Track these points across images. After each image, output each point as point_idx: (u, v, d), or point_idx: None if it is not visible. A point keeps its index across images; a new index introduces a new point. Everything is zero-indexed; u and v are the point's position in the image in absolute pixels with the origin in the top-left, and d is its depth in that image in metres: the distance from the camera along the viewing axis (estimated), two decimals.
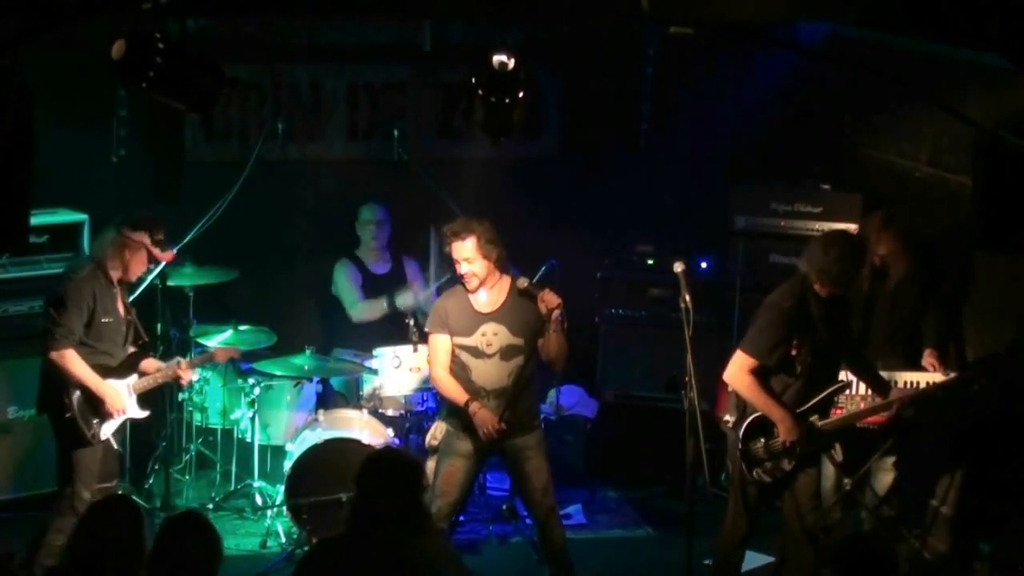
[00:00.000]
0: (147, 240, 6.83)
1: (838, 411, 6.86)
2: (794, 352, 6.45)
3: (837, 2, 6.06)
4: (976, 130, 5.22)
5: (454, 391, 6.64)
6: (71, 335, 6.68)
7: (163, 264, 7.46)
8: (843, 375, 6.79)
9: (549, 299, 6.50)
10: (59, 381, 6.71)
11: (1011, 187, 5.00)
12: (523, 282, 6.61)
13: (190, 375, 7.31)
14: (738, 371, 6.52)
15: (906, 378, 7.12)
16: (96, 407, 6.76)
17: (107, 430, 6.84)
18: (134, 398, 6.98)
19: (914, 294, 7.32)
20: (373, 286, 8.52)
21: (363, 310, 8.44)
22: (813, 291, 6.45)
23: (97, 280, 6.77)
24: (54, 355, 6.66)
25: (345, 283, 8.54)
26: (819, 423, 6.56)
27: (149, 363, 7.09)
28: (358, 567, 4.75)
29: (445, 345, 6.67)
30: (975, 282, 7.34)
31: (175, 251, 7.31)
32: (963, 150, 7.09)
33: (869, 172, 8.18)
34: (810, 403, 6.54)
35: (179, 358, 7.29)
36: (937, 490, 7.54)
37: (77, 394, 6.70)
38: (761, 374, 6.49)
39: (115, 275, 6.84)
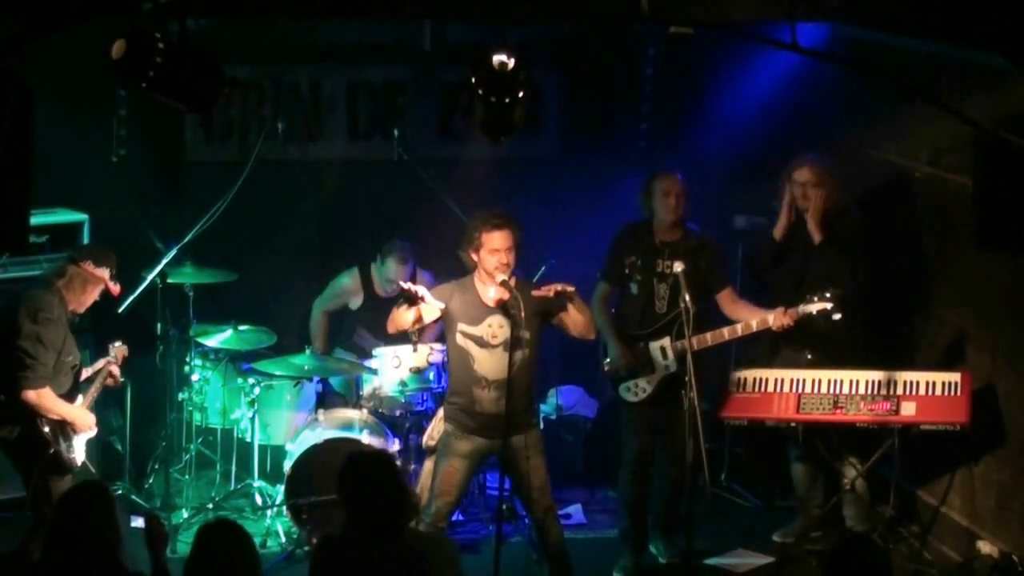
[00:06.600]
0: (107, 275, 6.77)
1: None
2: (627, 271, 7.15)
3: (837, 2, 6.06)
4: (976, 130, 5.22)
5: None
6: (49, 372, 6.57)
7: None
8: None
9: (550, 288, 6.55)
10: (25, 417, 6.57)
11: (1011, 187, 5.00)
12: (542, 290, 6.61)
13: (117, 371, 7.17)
14: (594, 296, 7.20)
15: (905, 378, 7.12)
16: (65, 432, 6.68)
17: (79, 453, 6.77)
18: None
19: (840, 259, 7.34)
20: (373, 307, 8.38)
21: (317, 323, 8.48)
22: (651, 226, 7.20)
23: (64, 317, 6.65)
24: (32, 394, 6.51)
25: (334, 292, 8.50)
26: (672, 343, 7.06)
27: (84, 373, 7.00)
28: (359, 568, 4.75)
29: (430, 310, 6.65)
30: (974, 282, 7.33)
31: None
32: (963, 150, 7.08)
33: (869, 172, 8.17)
34: (657, 325, 7.10)
35: (109, 358, 7.12)
36: (937, 490, 7.55)
37: (47, 428, 6.60)
38: (610, 301, 7.25)
39: (71, 307, 6.72)
